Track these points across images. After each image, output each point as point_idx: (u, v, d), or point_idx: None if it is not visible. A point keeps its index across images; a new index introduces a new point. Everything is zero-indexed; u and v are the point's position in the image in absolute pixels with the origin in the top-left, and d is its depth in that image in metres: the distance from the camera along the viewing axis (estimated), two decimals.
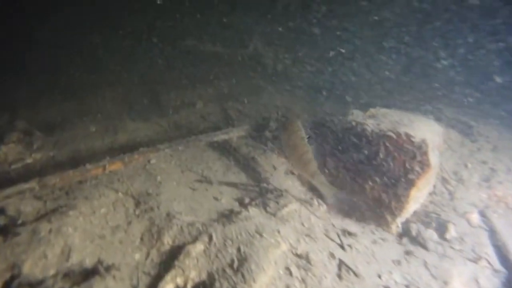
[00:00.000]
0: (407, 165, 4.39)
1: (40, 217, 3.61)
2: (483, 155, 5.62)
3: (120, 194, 4.32)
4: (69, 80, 10.44)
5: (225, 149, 5.67)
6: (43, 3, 12.66)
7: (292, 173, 5.31)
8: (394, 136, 4.44)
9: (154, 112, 7.85)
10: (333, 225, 4.41)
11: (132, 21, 12.23)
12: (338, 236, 4.09)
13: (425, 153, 4.31)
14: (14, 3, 12.19)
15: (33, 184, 3.82)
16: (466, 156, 5.60)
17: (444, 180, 5.15)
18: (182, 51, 10.10)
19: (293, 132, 4.47)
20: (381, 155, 4.53)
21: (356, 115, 5.07)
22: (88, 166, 4.16)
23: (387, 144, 4.49)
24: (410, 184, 4.39)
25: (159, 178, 4.82)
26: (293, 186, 5.10)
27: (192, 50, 9.24)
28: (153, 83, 9.93)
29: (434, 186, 5.04)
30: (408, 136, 4.39)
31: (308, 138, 4.42)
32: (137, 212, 4.09)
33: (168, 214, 4.06)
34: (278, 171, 5.27)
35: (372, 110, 5.12)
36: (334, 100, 7.69)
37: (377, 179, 4.58)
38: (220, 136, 5.16)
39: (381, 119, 4.83)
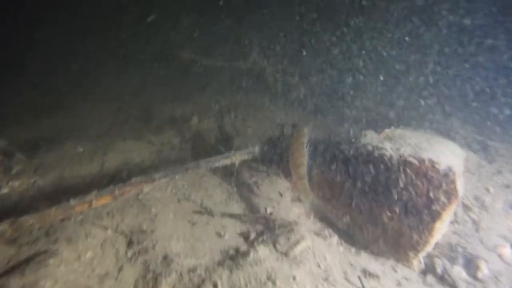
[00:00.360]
0: (431, 194, 3.85)
1: (11, 269, 2.97)
2: (504, 178, 5.12)
3: (109, 232, 3.70)
4: (58, 93, 9.81)
5: (225, 173, 5.09)
6: (37, 9, 12.12)
7: (300, 200, 4.75)
8: (417, 163, 3.90)
9: (147, 129, 7.24)
10: (351, 264, 3.85)
11: (127, 32, 11.63)
12: (359, 279, 3.52)
13: (452, 182, 3.77)
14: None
15: (5, 226, 3.17)
16: (486, 179, 5.09)
17: (465, 207, 4.62)
18: (179, 64, 9.51)
19: (297, 137, 4.55)
20: (401, 183, 3.98)
21: (370, 138, 4.52)
22: (72, 202, 3.51)
23: (408, 171, 3.95)
24: (435, 216, 3.84)
25: (154, 210, 4.22)
26: (301, 214, 4.54)
27: (188, 63, 8.61)
28: (147, 96, 9.33)
29: (455, 214, 4.51)
30: (432, 162, 3.85)
31: (308, 143, 4.52)
32: (129, 254, 3.49)
33: (165, 257, 3.46)
34: (285, 198, 4.69)
35: (387, 131, 4.58)
36: (343, 119, 7.14)
37: (397, 210, 4.03)
38: (221, 161, 4.56)
39: (399, 142, 4.28)
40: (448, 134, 5.87)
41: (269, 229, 4.04)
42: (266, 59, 8.23)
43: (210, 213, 4.29)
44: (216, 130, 6.95)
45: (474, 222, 4.41)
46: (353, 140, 4.61)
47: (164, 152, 6.11)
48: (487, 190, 4.88)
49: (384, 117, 6.67)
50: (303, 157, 4.33)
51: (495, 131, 6.16)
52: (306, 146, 4.55)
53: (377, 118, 6.76)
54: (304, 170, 4.26)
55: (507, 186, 4.94)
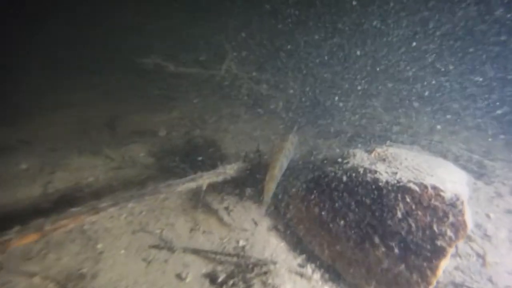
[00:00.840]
0: (435, 227, 3.15)
1: None
2: (505, 202, 4.49)
3: (36, 279, 2.82)
4: (13, 100, 8.72)
5: (191, 196, 4.26)
6: None
7: (277, 229, 3.97)
8: (418, 190, 3.20)
9: (108, 141, 6.33)
10: None
11: (91, 34, 10.65)
12: None
13: (460, 213, 3.08)
14: None
15: None
16: (485, 204, 4.45)
17: (466, 237, 3.94)
18: (146, 72, 8.56)
19: (283, 142, 4.29)
20: (399, 214, 3.26)
21: (360, 158, 3.81)
22: None
23: (408, 199, 3.24)
24: (439, 253, 3.14)
25: (100, 245, 3.35)
26: (279, 247, 3.74)
27: (156, 70, 7.68)
28: (114, 106, 8.36)
29: (456, 245, 3.82)
30: (436, 189, 3.16)
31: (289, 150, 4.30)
32: None
33: None
34: (260, 228, 3.89)
35: (379, 151, 3.87)
36: (326, 133, 6.38)
37: (393, 245, 3.30)
38: (186, 185, 3.74)
39: (394, 164, 3.58)
40: (440, 152, 5.25)
41: (241, 270, 3.24)
42: (241, 66, 7.42)
43: (170, 248, 3.45)
44: (185, 144, 6.13)
45: (479, 255, 3.73)
46: (340, 160, 3.89)
47: (124, 169, 5.22)
48: (488, 216, 4.22)
49: (371, 132, 5.98)
50: (278, 161, 3.95)
51: (492, 148, 5.54)
52: (289, 149, 4.27)
53: (362, 133, 6.07)
54: (274, 173, 3.81)
55: (509, 212, 4.30)
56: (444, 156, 5.04)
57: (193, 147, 5.91)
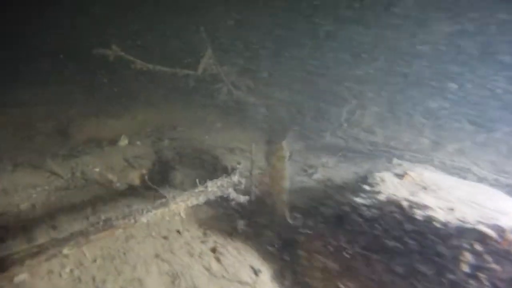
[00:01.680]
0: None
1: None
2: None
3: None
4: None
5: (165, 232, 3.06)
6: None
7: (283, 277, 2.86)
8: (494, 235, 2.23)
9: (55, 152, 4.99)
10: None
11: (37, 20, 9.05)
12: None
13: None
14: None
15: None
16: None
17: None
18: (106, 67, 7.12)
19: (276, 153, 3.90)
20: (465, 267, 2.28)
21: (391, 185, 2.80)
22: None
23: (478, 247, 2.27)
24: None
25: None
26: None
27: (118, 64, 6.28)
28: (67, 108, 6.90)
29: None
30: None
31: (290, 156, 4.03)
32: None
33: None
34: (262, 278, 2.77)
35: (413, 176, 2.89)
36: (314, 145, 5.34)
37: None
38: (154, 212, 2.54)
39: (442, 195, 2.61)
40: (459, 173, 4.38)
41: None
42: (220, 66, 6.22)
43: None
44: (151, 157, 4.90)
45: None
46: (366, 188, 2.86)
47: (73, 190, 3.92)
48: None
49: (368, 148, 5.05)
50: (284, 171, 3.60)
51: (509, 168, 4.71)
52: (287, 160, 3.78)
53: (359, 148, 5.11)
54: (283, 184, 3.49)
55: None
56: (465, 178, 4.21)
57: (162, 161, 4.69)
